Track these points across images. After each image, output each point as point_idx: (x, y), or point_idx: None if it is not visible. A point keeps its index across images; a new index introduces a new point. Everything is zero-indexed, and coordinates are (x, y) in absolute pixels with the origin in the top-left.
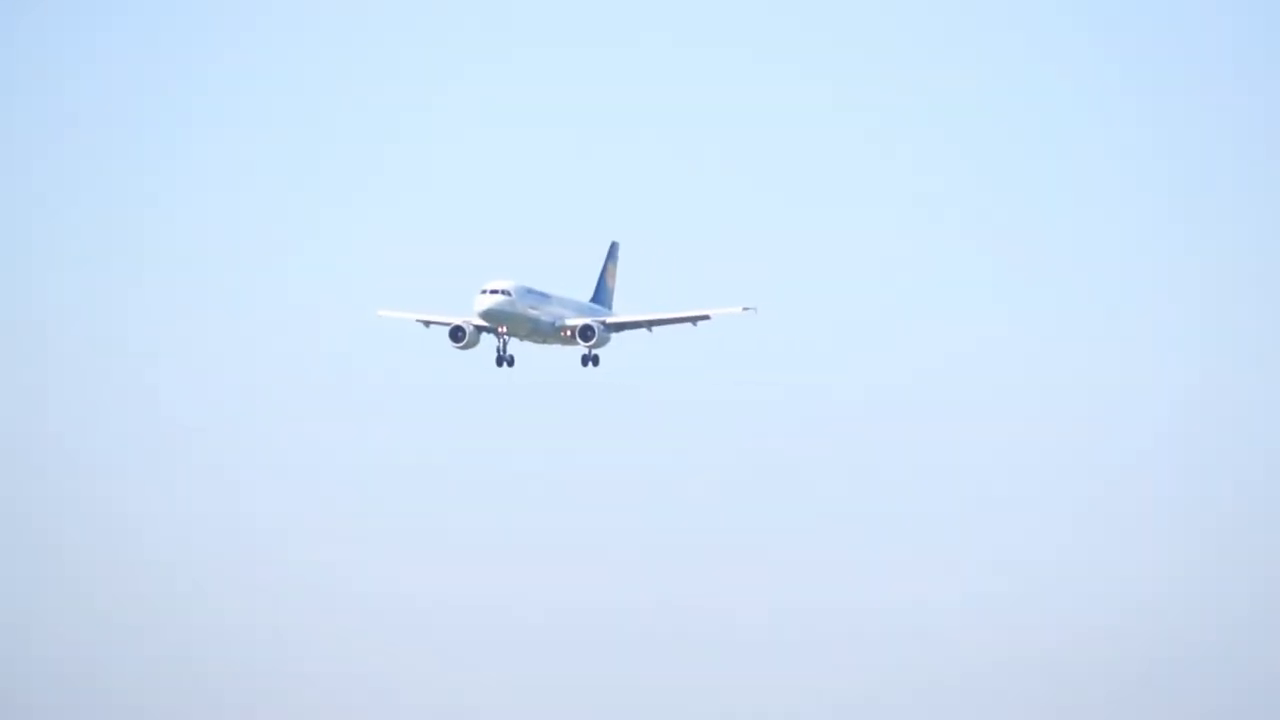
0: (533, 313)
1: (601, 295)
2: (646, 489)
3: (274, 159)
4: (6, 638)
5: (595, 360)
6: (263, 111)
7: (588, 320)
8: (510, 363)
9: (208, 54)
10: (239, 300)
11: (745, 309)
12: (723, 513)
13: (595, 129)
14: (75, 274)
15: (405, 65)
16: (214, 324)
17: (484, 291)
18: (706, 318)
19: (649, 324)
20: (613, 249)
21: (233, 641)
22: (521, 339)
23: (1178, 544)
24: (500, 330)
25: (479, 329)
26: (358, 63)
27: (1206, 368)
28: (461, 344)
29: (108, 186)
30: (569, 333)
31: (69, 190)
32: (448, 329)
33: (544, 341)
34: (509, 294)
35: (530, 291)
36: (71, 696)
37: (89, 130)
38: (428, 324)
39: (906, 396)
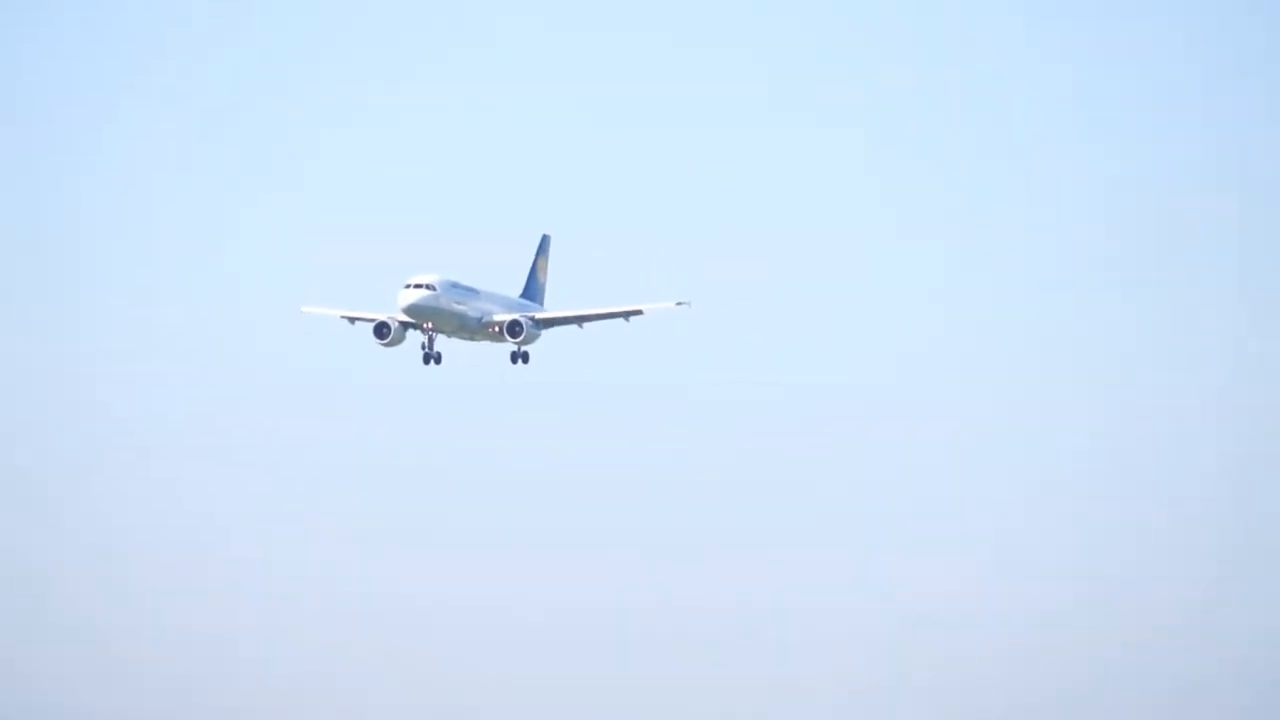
0: (459, 308)
1: (533, 290)
2: (577, 486)
3: (215, 151)
4: None
5: (525, 357)
6: (213, 102)
7: (515, 316)
8: (438, 360)
9: (145, 46)
10: (169, 295)
11: (679, 304)
12: (656, 509)
13: (539, 126)
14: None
15: (353, 61)
16: (146, 319)
17: (407, 286)
18: (639, 312)
19: (580, 319)
20: (544, 242)
21: (169, 641)
22: (449, 335)
23: (1165, 542)
24: (425, 326)
25: (405, 325)
26: (313, 57)
27: (1196, 370)
28: (386, 341)
29: (40, 178)
30: (497, 329)
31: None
32: (372, 325)
33: (472, 338)
34: (433, 289)
35: (456, 286)
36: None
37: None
38: (353, 320)
39: (879, 395)
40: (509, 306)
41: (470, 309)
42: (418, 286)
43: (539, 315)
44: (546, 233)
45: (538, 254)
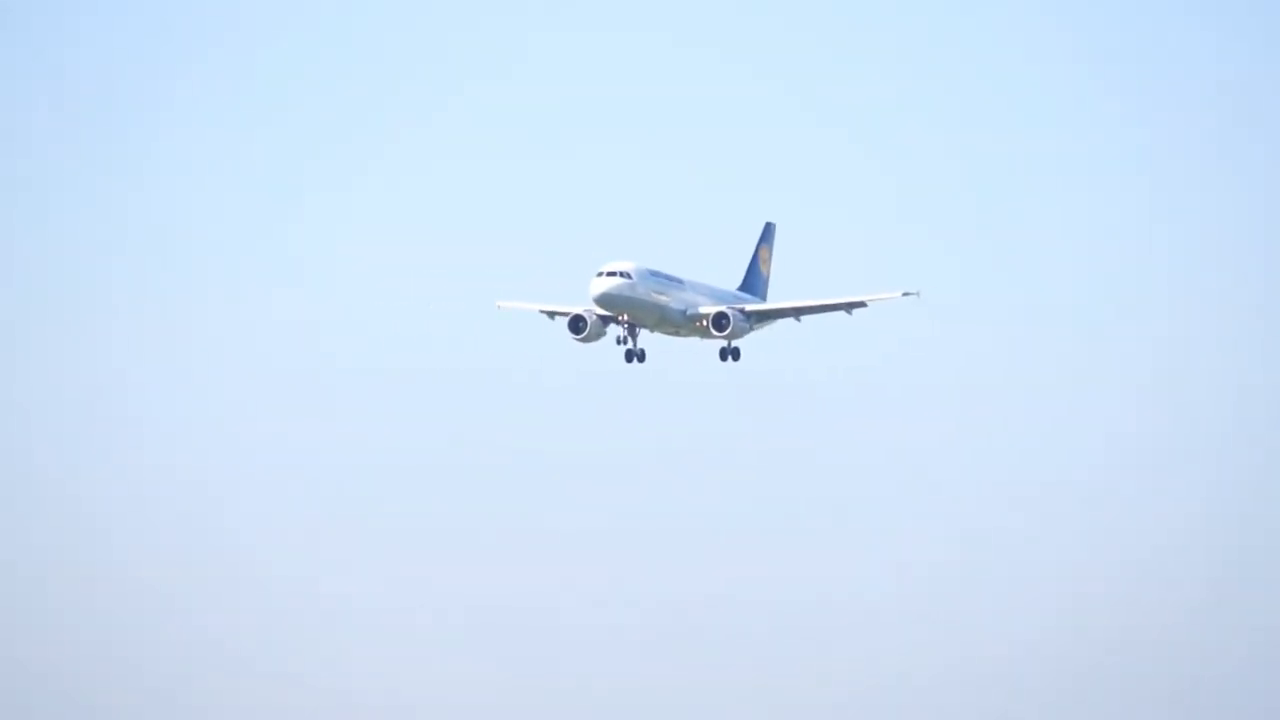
0: (659, 299)
1: (753, 282)
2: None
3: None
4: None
5: (736, 354)
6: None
7: (722, 308)
8: (640, 357)
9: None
10: (360, 295)
11: (906, 294)
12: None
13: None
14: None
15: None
16: (335, 320)
17: (600, 274)
18: (863, 305)
19: (796, 312)
20: (767, 230)
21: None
22: (651, 329)
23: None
24: (622, 319)
25: (603, 319)
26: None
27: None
28: (582, 336)
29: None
30: (703, 322)
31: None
32: (567, 320)
33: (676, 332)
34: (629, 276)
35: (655, 275)
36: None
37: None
38: (552, 315)
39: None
40: (718, 298)
41: (672, 300)
42: (611, 274)
43: (749, 307)
44: (771, 220)
45: (760, 242)
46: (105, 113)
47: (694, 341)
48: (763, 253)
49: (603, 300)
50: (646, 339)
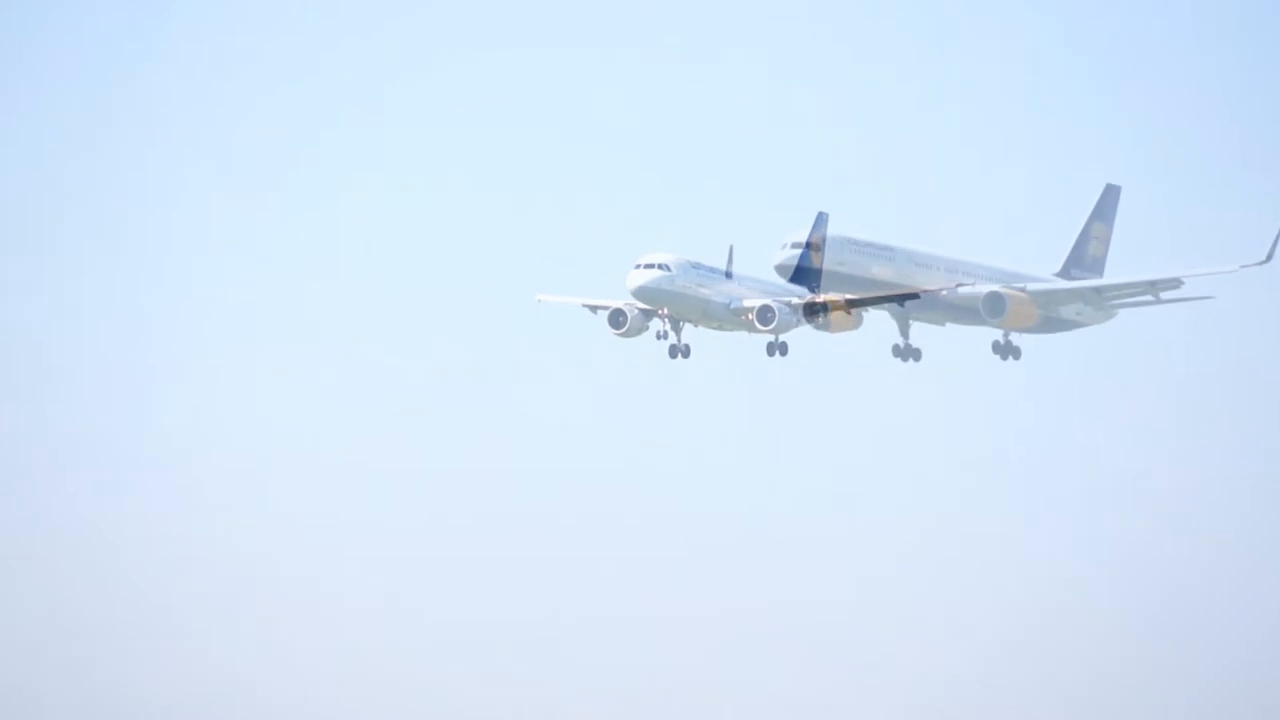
0: (701, 292)
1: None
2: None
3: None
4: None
5: (784, 348)
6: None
7: (767, 301)
8: (685, 353)
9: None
10: (399, 287)
11: (959, 285)
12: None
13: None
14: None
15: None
16: (374, 314)
17: (638, 266)
18: (915, 296)
19: (846, 304)
20: (819, 220)
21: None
22: (694, 323)
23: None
24: (662, 313)
25: (645, 313)
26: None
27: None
28: (623, 330)
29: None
30: (748, 316)
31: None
32: (607, 314)
33: (721, 327)
34: (667, 269)
35: (697, 267)
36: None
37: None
38: (594, 309)
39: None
40: (765, 291)
41: (715, 293)
42: (649, 266)
43: (796, 300)
44: (823, 210)
45: (812, 232)
46: (103, 109)
47: (743, 336)
48: (815, 241)
49: (640, 293)
50: (691, 333)
